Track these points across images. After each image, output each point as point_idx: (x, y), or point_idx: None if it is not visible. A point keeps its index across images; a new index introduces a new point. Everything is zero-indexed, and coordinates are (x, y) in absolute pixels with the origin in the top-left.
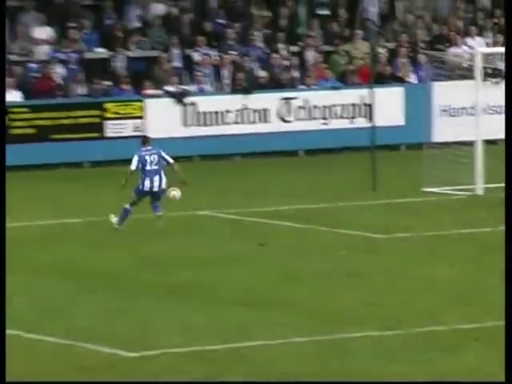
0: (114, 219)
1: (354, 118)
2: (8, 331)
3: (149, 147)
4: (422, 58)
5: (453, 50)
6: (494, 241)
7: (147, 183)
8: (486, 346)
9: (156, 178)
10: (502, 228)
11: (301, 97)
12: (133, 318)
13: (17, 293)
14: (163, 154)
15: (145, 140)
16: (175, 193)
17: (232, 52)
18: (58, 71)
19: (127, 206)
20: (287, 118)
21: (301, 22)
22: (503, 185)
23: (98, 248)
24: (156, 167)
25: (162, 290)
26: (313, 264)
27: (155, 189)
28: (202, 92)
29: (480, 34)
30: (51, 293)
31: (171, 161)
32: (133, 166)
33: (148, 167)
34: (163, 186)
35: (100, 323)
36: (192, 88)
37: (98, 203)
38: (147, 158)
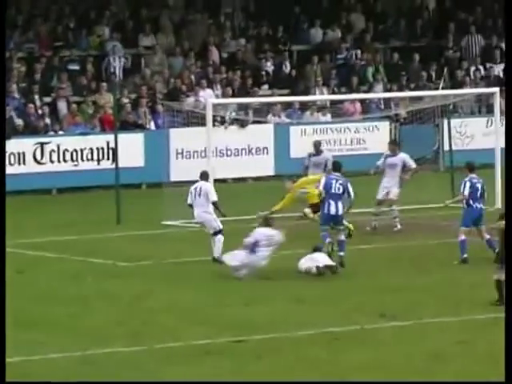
0: None
1: (100, 160)
2: None
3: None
4: (159, 107)
5: (188, 100)
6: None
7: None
8: (217, 358)
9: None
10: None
11: (53, 141)
12: None
13: None
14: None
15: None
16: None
17: None
18: None
19: None
20: (41, 160)
21: (53, 76)
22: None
23: None
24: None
25: None
26: (67, 288)
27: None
28: None
29: (210, 87)
30: None
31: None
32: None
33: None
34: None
35: None
36: None
37: None
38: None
